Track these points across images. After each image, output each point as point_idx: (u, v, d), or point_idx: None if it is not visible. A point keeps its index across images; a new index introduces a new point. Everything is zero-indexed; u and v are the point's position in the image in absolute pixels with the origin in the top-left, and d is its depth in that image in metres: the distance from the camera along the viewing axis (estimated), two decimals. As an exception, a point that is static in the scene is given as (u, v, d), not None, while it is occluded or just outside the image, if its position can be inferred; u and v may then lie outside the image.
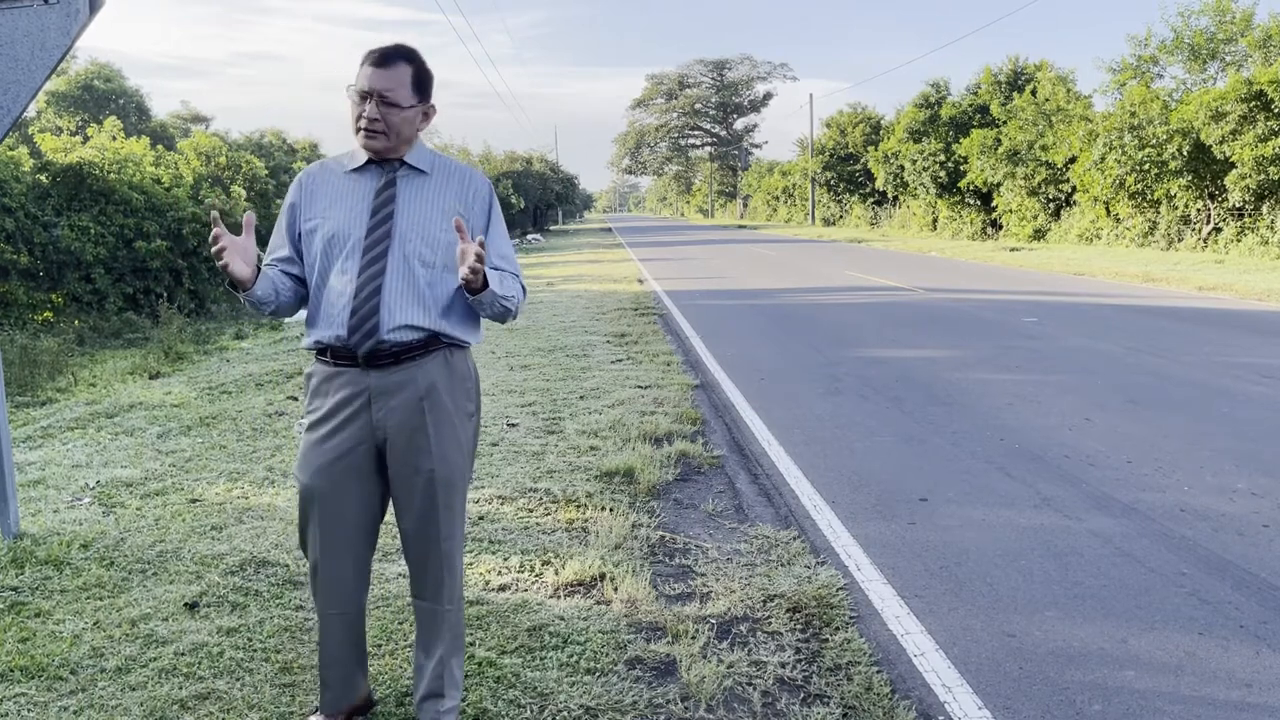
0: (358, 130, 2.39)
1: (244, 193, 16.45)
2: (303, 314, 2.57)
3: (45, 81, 4.01)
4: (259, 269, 2.40)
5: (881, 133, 42.67)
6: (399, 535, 2.60)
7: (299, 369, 8.62)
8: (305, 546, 2.58)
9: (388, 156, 2.45)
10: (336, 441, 2.44)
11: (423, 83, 2.43)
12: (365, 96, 2.36)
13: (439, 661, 2.58)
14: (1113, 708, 2.77)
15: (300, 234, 2.50)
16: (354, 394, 2.42)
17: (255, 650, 3.13)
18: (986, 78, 33.79)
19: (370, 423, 2.43)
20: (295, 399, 7.24)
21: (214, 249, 2.27)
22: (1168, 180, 22.07)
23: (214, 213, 2.32)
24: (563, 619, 3.33)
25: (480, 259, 2.28)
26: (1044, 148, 27.09)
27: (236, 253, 2.31)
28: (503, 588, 3.62)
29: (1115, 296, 13.59)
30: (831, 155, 47.25)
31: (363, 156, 2.47)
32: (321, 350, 2.47)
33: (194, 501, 4.73)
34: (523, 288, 2.58)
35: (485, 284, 2.34)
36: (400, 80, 2.38)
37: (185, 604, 3.48)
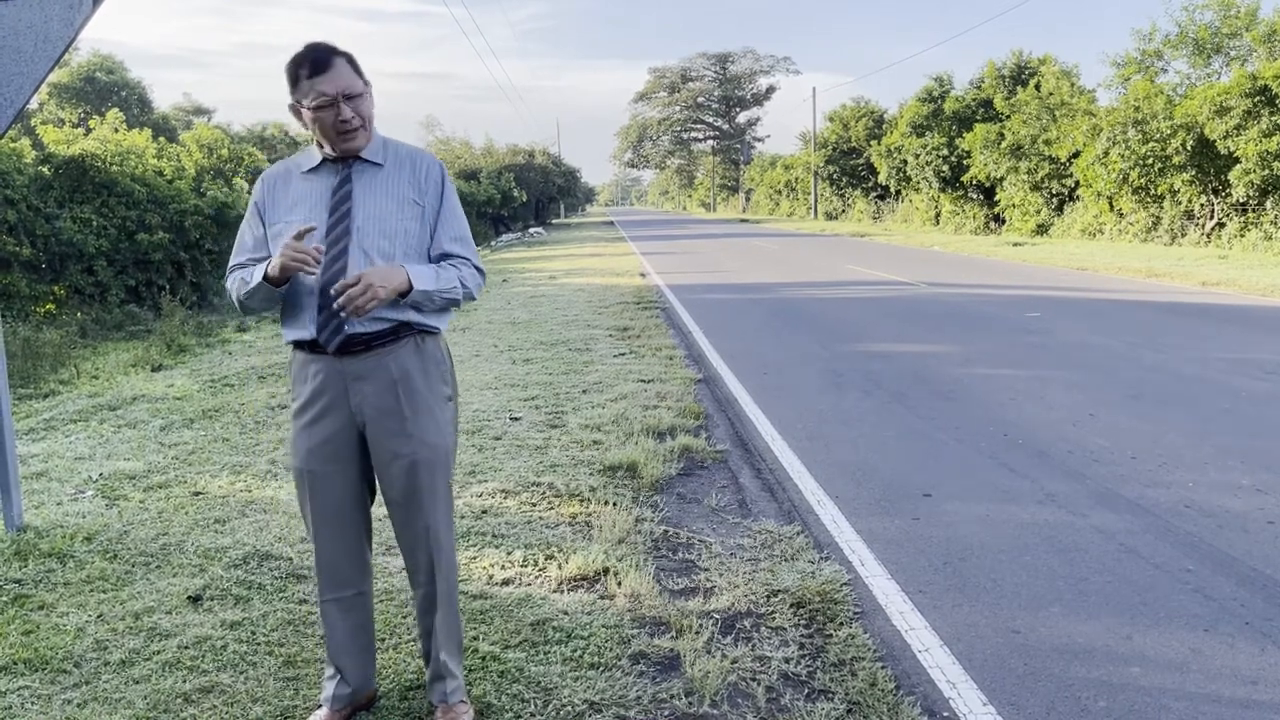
0: (337, 135, 2.40)
1: (246, 185, 16.42)
2: None
3: (48, 73, 4.00)
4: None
5: (884, 127, 42.54)
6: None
7: (301, 362, 8.62)
8: (306, 527, 2.64)
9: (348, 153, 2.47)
10: (320, 427, 2.51)
11: (358, 66, 2.48)
12: (331, 103, 2.36)
13: (437, 643, 2.63)
14: (1118, 704, 2.76)
15: (266, 235, 2.54)
16: (329, 381, 2.48)
17: (259, 644, 3.13)
18: (990, 72, 33.68)
19: (349, 408, 2.49)
20: (298, 392, 7.23)
21: (306, 262, 2.31)
22: (1171, 175, 22.00)
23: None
24: (566, 614, 3.33)
25: (360, 294, 2.27)
26: (1047, 142, 27.00)
27: None
28: (506, 582, 3.62)
29: (1118, 292, 13.56)
30: (834, 149, 47.10)
31: (318, 156, 2.50)
32: (299, 344, 2.53)
33: (197, 494, 4.73)
34: (478, 269, 2.60)
35: (410, 287, 2.38)
36: (347, 73, 2.40)
37: (188, 597, 3.48)
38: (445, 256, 2.54)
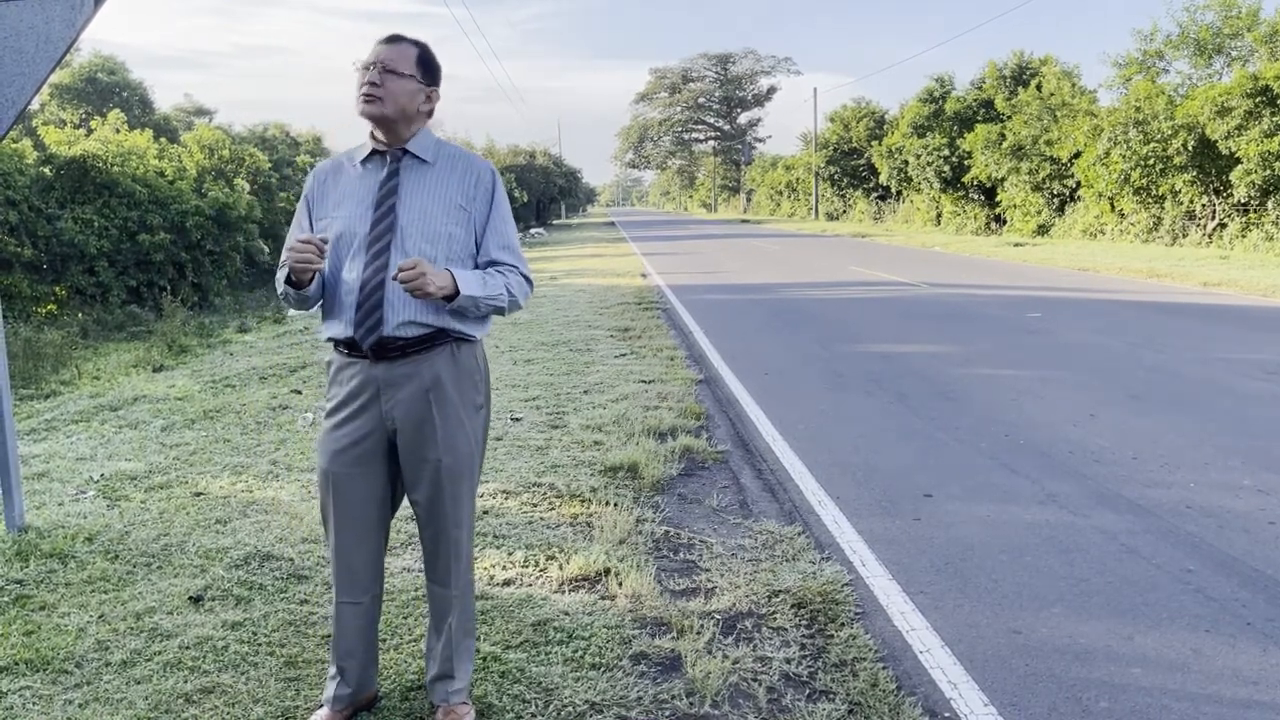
0: (359, 96, 2.42)
1: (247, 186, 16.43)
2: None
3: (50, 74, 4.00)
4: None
5: (885, 127, 42.55)
6: (414, 519, 2.65)
7: (303, 362, 8.63)
8: (325, 529, 2.63)
9: (390, 143, 2.47)
10: (349, 429, 2.51)
11: (427, 64, 2.46)
12: (368, 66, 2.41)
13: (447, 643, 2.64)
14: (1119, 705, 2.76)
15: (313, 230, 2.56)
16: (364, 385, 2.48)
17: (260, 644, 3.13)
18: (991, 72, 33.69)
19: (380, 413, 2.49)
20: (299, 392, 7.24)
21: (310, 259, 2.32)
22: (1172, 176, 22.00)
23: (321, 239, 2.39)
24: (567, 614, 3.33)
25: (412, 279, 2.27)
26: (1048, 143, 27.00)
27: None
28: (507, 582, 3.62)
29: (1119, 292, 13.56)
30: (835, 150, 47.09)
31: (368, 147, 2.51)
32: (337, 343, 2.53)
33: (198, 495, 4.73)
34: (526, 278, 2.59)
35: (457, 291, 2.37)
36: (404, 55, 2.42)
37: (190, 598, 3.48)
38: (492, 264, 2.54)
